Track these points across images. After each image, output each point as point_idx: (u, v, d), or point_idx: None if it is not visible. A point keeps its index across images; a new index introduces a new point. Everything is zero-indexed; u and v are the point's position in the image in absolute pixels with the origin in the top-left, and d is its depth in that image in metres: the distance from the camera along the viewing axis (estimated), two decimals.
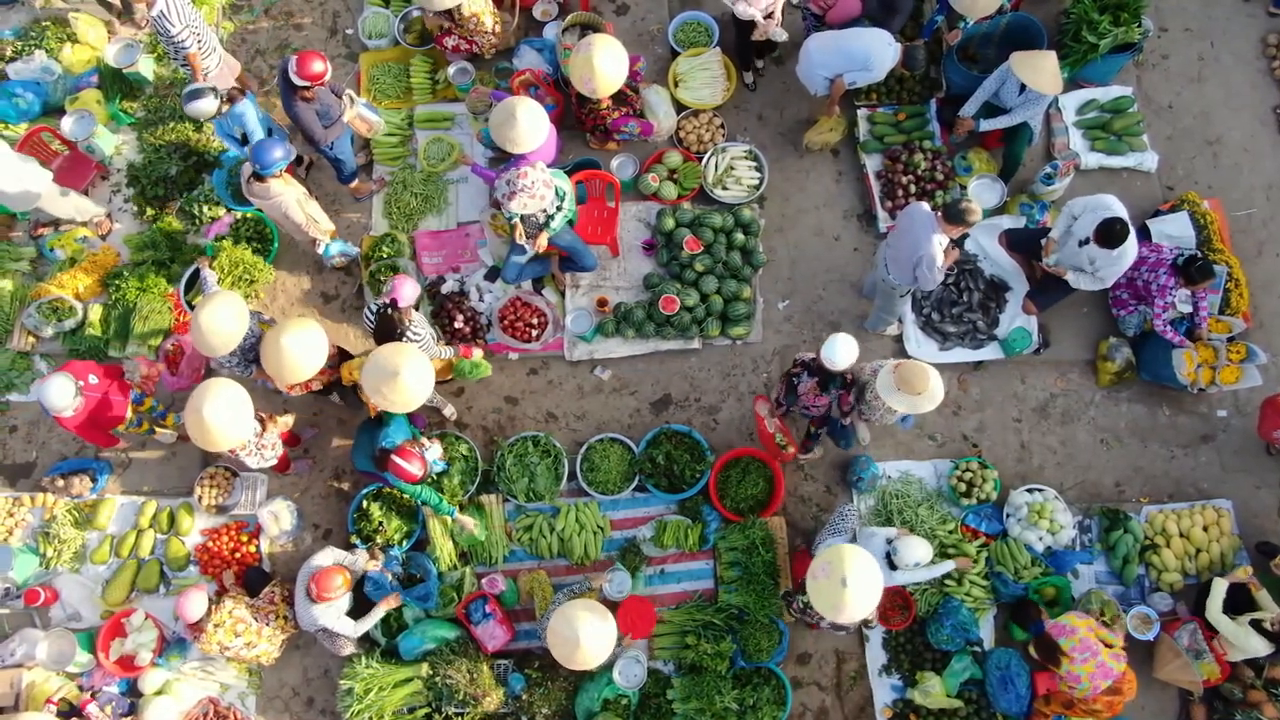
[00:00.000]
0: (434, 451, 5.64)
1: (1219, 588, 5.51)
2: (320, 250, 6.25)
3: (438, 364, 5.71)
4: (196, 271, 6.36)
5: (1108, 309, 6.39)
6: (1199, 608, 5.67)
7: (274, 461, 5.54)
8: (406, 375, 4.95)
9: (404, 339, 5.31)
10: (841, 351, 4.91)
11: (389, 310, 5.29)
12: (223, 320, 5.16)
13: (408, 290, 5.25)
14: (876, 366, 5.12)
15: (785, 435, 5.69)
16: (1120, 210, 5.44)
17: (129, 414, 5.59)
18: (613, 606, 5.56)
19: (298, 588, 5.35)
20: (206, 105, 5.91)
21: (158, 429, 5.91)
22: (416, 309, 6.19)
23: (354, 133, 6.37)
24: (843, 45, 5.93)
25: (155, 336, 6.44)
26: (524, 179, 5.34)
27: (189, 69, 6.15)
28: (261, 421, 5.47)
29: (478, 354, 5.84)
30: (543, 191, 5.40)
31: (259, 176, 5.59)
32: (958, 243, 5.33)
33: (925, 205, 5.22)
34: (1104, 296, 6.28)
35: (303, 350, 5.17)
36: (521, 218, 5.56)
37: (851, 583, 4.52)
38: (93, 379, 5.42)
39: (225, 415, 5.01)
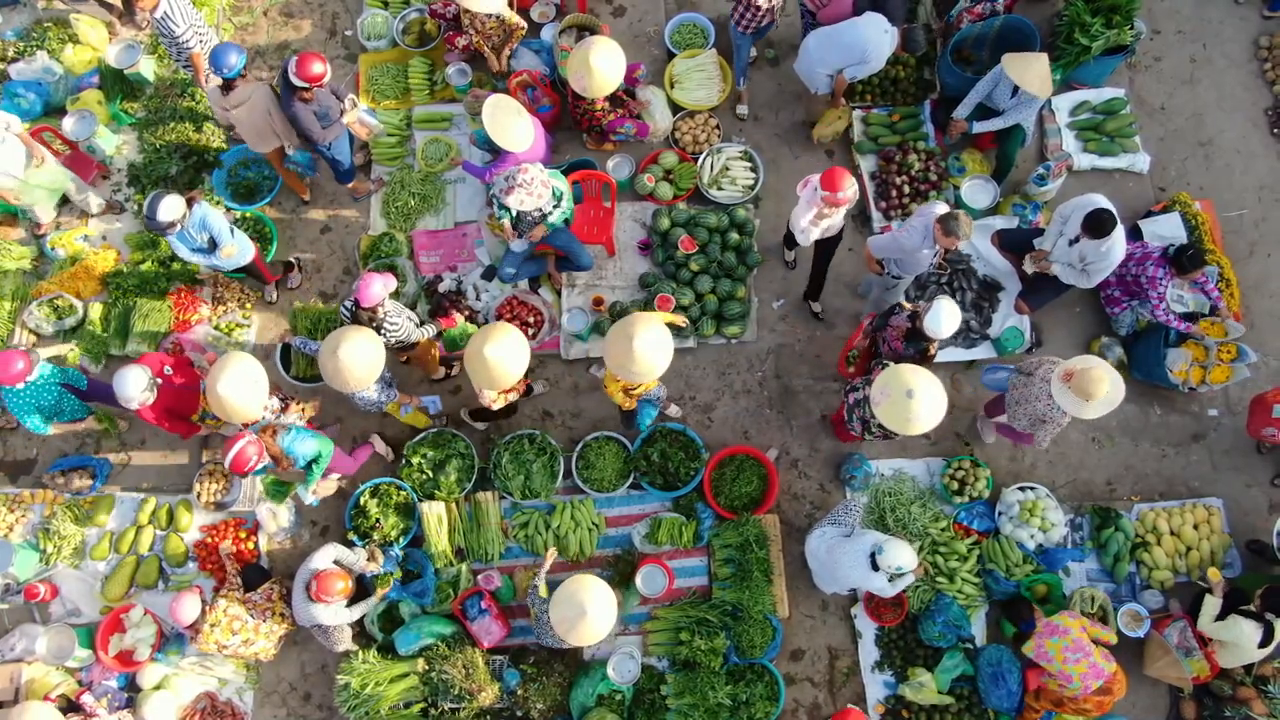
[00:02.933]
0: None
1: (1210, 605, 5.53)
2: (291, 153, 6.30)
3: (425, 346, 5.82)
4: (287, 346, 6.38)
5: (1100, 308, 6.44)
6: (1191, 608, 5.72)
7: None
8: (344, 355, 4.96)
9: (382, 330, 5.31)
10: (946, 322, 4.93)
11: (357, 311, 5.31)
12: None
13: (373, 290, 5.18)
14: (1050, 370, 5.09)
15: (859, 357, 5.82)
16: (1106, 204, 5.49)
17: (201, 405, 5.60)
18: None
19: (296, 584, 5.39)
20: (173, 205, 5.35)
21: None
22: (413, 307, 6.27)
23: (353, 135, 6.42)
24: (840, 40, 5.95)
25: (154, 335, 6.49)
26: (524, 174, 5.38)
27: (191, 69, 6.20)
28: (285, 403, 5.55)
29: (460, 320, 5.90)
30: (540, 190, 5.44)
31: (226, 86, 5.66)
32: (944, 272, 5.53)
33: (941, 207, 5.22)
34: (1096, 296, 6.34)
35: (508, 357, 4.99)
36: (516, 216, 5.61)
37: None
38: (168, 370, 5.44)
39: (242, 389, 5.01)
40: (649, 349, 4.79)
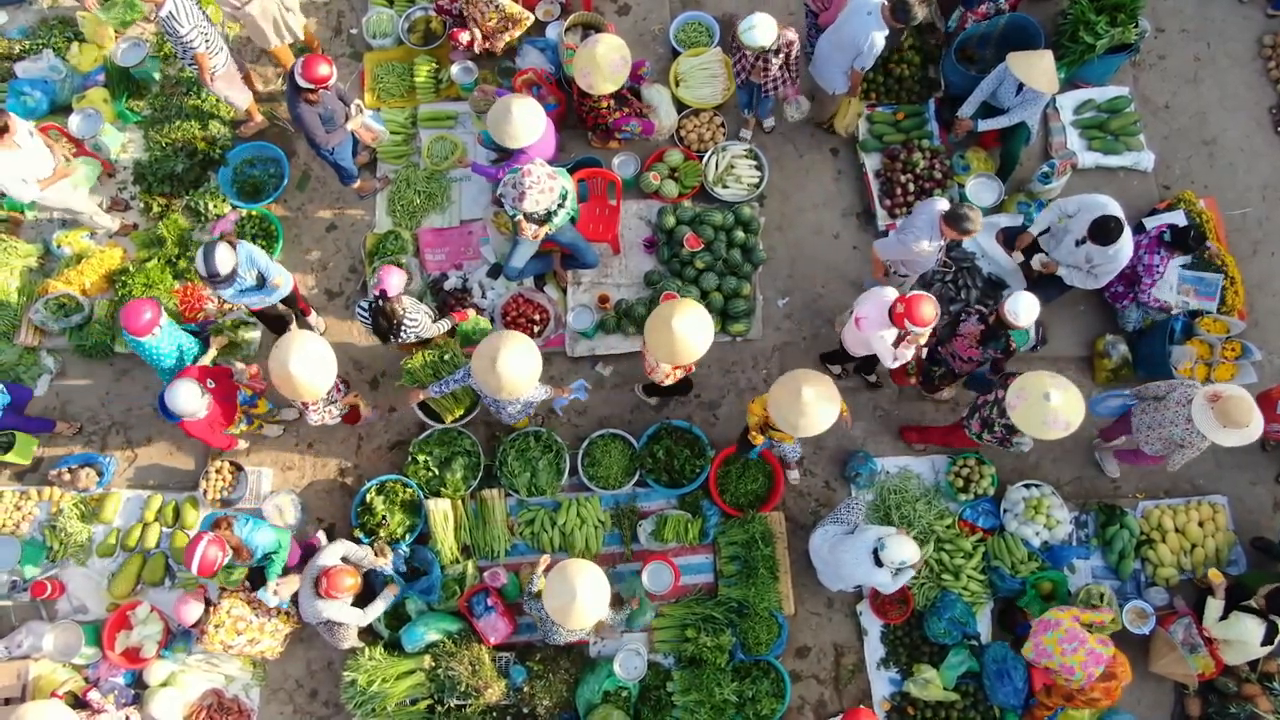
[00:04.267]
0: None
1: (1213, 608, 5.55)
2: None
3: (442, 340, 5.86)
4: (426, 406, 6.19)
5: (1104, 306, 6.46)
6: (1196, 605, 5.73)
7: (335, 422, 5.59)
8: (295, 368, 4.94)
9: (402, 328, 5.36)
10: (1024, 306, 4.94)
11: (380, 302, 5.33)
12: (520, 357, 4.96)
13: (394, 280, 5.25)
14: (1186, 392, 5.09)
15: (916, 365, 5.84)
16: (1116, 209, 5.49)
17: (238, 415, 5.58)
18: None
19: (304, 580, 5.39)
20: (226, 253, 5.23)
21: (266, 425, 6.00)
22: (421, 299, 6.28)
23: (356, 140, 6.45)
24: (841, 39, 5.96)
25: None
26: (528, 177, 5.37)
27: (196, 68, 6.21)
28: (346, 385, 5.61)
29: (472, 314, 5.92)
30: (549, 184, 5.43)
31: None
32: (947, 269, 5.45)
33: (943, 204, 5.24)
34: (1101, 294, 6.34)
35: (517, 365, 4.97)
36: (526, 214, 5.62)
37: (1055, 397, 4.71)
38: (210, 383, 5.39)
39: (312, 368, 4.99)
40: (689, 331, 4.87)
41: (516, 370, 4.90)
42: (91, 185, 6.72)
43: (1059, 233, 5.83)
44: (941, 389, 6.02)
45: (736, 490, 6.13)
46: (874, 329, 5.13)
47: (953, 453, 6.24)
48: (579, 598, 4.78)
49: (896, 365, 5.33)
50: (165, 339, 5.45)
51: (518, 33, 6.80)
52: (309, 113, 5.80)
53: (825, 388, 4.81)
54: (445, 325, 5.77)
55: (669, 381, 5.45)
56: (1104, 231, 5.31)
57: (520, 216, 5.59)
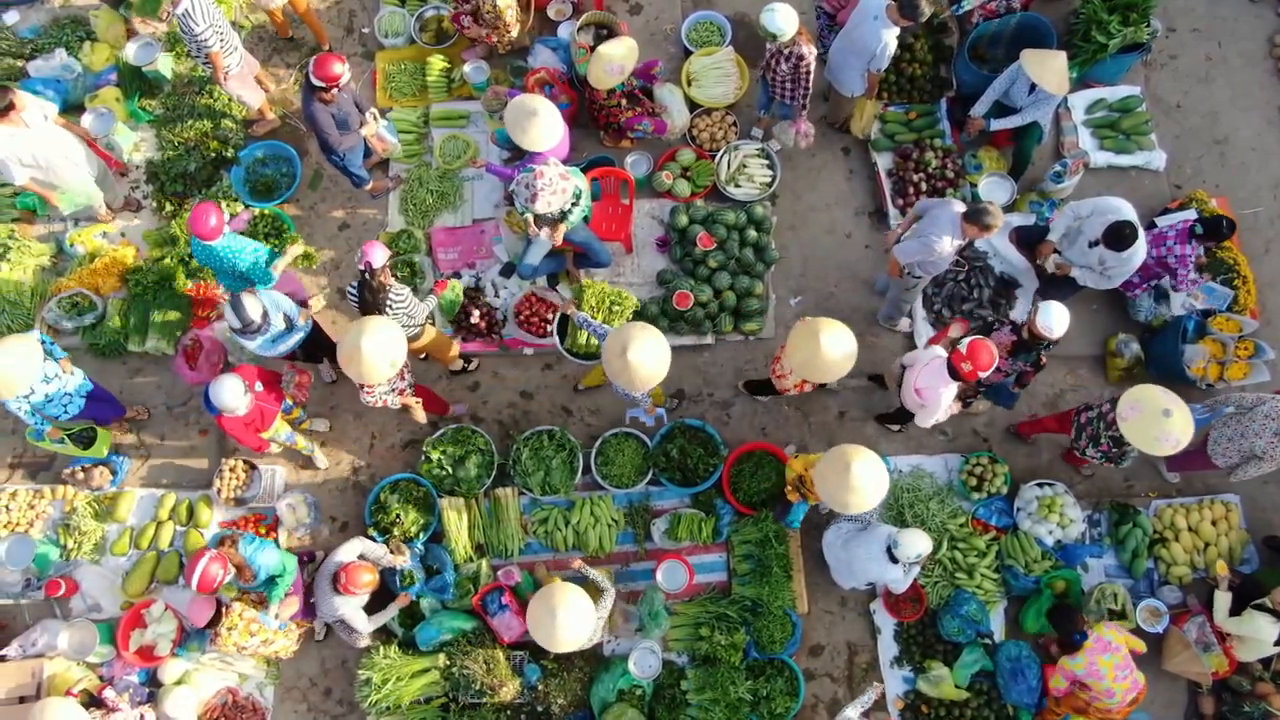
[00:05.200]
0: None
1: (1221, 600, 5.57)
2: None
3: (435, 338, 5.84)
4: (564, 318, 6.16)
5: (1116, 305, 6.47)
6: (1209, 603, 5.74)
7: (395, 406, 5.53)
8: (365, 345, 4.87)
9: (387, 303, 5.30)
10: (1057, 318, 4.96)
11: (366, 277, 5.29)
12: (653, 349, 4.91)
13: (377, 254, 5.21)
14: (1273, 410, 5.14)
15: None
16: (1130, 213, 5.50)
17: (277, 421, 5.57)
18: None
19: (320, 578, 5.40)
20: (253, 300, 5.22)
21: (299, 439, 6.01)
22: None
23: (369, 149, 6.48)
24: (853, 43, 5.96)
25: (174, 331, 6.51)
26: (540, 179, 5.35)
27: (210, 67, 6.22)
28: (408, 378, 5.60)
29: (449, 284, 5.84)
30: (561, 185, 5.43)
31: None
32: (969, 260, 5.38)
33: (959, 206, 5.25)
34: (1113, 292, 6.33)
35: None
36: (538, 215, 5.62)
37: (1176, 414, 4.76)
38: (259, 386, 5.37)
39: (382, 349, 4.92)
40: (834, 349, 4.90)
41: (646, 360, 4.81)
42: (72, 209, 6.70)
43: (1072, 234, 5.83)
44: (971, 400, 5.99)
45: (749, 489, 6.13)
46: (937, 392, 5.06)
47: (966, 451, 6.25)
48: (557, 621, 4.78)
49: (945, 416, 5.28)
50: (235, 241, 5.53)
51: (527, 19, 6.80)
52: (322, 112, 5.81)
53: (873, 463, 4.76)
54: (432, 302, 5.72)
55: (792, 391, 5.43)
56: (1119, 237, 5.33)
57: (529, 215, 5.59)
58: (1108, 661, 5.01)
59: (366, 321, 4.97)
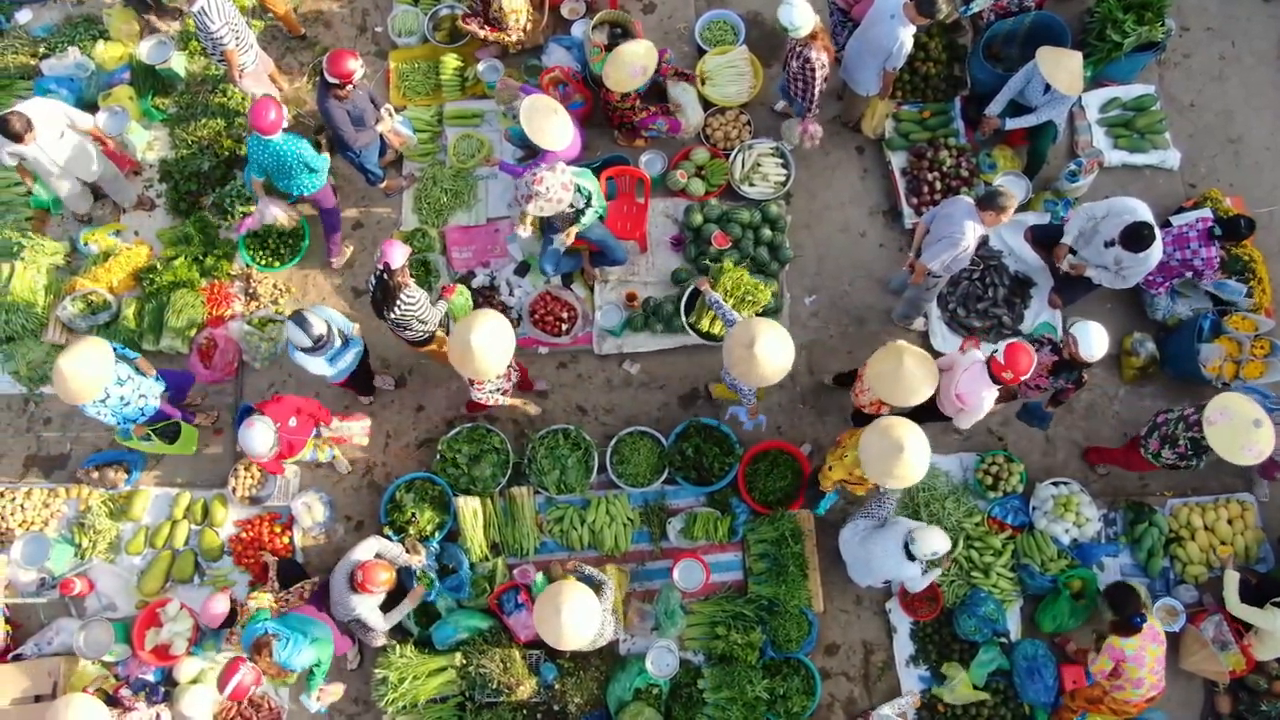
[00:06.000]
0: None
1: (1230, 580, 5.58)
2: None
3: (441, 340, 5.83)
4: (695, 291, 6.20)
5: (1131, 304, 6.47)
6: (1223, 601, 5.73)
7: (504, 402, 5.55)
8: (476, 341, 4.82)
9: (399, 303, 5.28)
10: (1097, 342, 4.97)
11: (384, 276, 5.27)
12: (780, 343, 4.90)
13: (397, 253, 5.18)
14: None
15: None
16: (1146, 213, 5.50)
17: (308, 447, 5.61)
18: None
19: (336, 576, 5.39)
20: (316, 317, 5.20)
21: (337, 456, 6.08)
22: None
23: (386, 142, 6.47)
24: (869, 42, 5.96)
25: (188, 330, 6.51)
26: (538, 184, 5.28)
27: (225, 64, 6.22)
28: (517, 371, 5.61)
29: (458, 289, 5.85)
30: (559, 195, 5.37)
31: None
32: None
33: (967, 199, 5.27)
34: (1128, 290, 6.33)
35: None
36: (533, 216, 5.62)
37: (1263, 425, 4.78)
38: (293, 421, 5.36)
39: (495, 345, 4.89)
40: (915, 373, 4.89)
41: (773, 354, 4.82)
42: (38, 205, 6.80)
43: (1087, 234, 5.83)
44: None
45: (765, 488, 6.13)
46: (979, 396, 5.03)
47: (984, 451, 6.25)
48: (563, 619, 4.76)
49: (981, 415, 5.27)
50: (292, 140, 5.70)
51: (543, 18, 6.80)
52: (338, 110, 5.80)
53: (919, 436, 4.77)
54: (443, 307, 5.68)
55: (868, 410, 5.41)
56: (1137, 239, 5.34)
57: (527, 210, 5.52)
58: (1154, 652, 5.00)
59: (475, 317, 4.90)
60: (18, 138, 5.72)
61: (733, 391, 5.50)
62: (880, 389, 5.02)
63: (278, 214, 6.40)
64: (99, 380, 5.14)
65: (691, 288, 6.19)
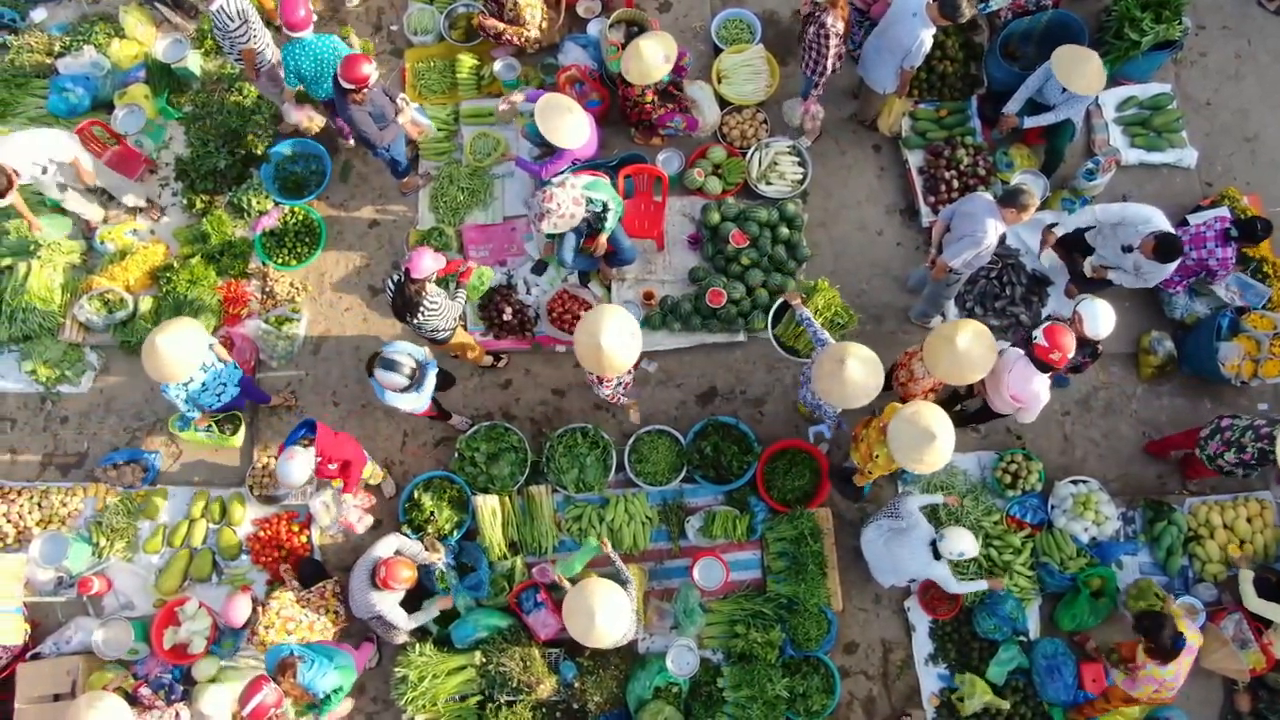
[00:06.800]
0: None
1: (1245, 579, 5.59)
2: None
3: (461, 337, 5.82)
4: (784, 305, 6.28)
5: (1149, 302, 6.46)
6: (1241, 599, 5.74)
7: (624, 403, 5.56)
8: (606, 341, 4.79)
9: (420, 310, 5.26)
10: (1103, 320, 5.01)
11: (404, 282, 5.24)
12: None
13: (425, 263, 5.14)
14: None
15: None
16: (1163, 221, 5.56)
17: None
18: None
19: (357, 573, 5.39)
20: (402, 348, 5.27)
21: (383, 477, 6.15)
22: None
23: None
24: (889, 41, 5.95)
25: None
26: (549, 202, 5.29)
27: (242, 63, 6.21)
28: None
29: (474, 269, 5.79)
30: (571, 210, 5.38)
31: None
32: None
33: (986, 195, 5.28)
34: (1146, 289, 6.33)
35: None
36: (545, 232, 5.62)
37: None
38: (332, 466, 5.34)
39: (624, 344, 4.88)
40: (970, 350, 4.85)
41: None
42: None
43: (1107, 234, 5.85)
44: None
45: (784, 486, 6.12)
46: (1032, 390, 5.00)
47: (1002, 449, 6.25)
48: (596, 621, 4.77)
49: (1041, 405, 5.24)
50: (325, 38, 5.88)
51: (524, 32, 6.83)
52: (360, 113, 5.78)
53: (945, 421, 4.76)
54: (461, 297, 5.61)
55: (920, 397, 5.34)
56: (1170, 251, 5.38)
57: (541, 229, 5.54)
58: (1187, 661, 5.01)
59: (602, 314, 4.86)
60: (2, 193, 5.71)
61: (812, 411, 5.51)
62: (938, 368, 4.93)
63: (301, 117, 6.50)
64: (192, 361, 5.13)
65: (780, 300, 6.26)
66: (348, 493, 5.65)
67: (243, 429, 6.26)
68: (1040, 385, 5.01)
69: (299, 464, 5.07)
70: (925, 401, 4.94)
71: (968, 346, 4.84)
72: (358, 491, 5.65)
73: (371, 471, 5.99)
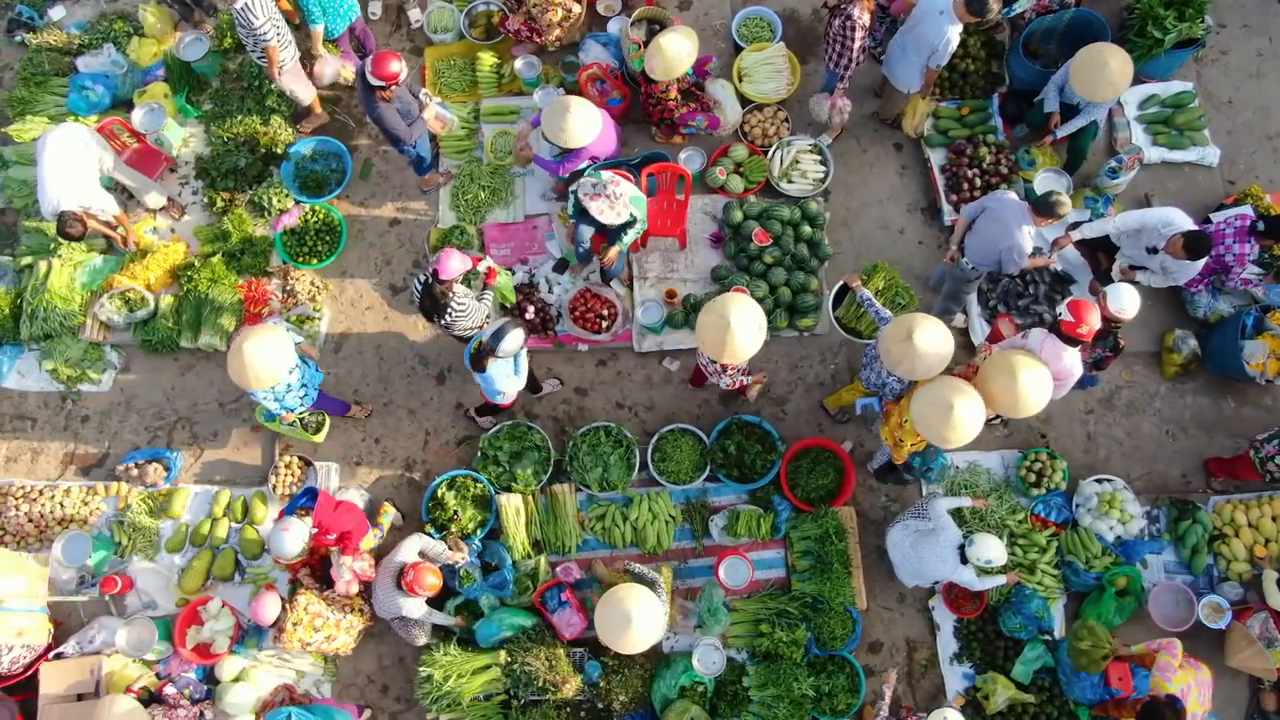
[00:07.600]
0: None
1: (1269, 579, 5.58)
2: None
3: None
4: (844, 287, 6.24)
5: (1173, 301, 6.45)
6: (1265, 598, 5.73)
7: (742, 384, 5.43)
8: (735, 324, 4.80)
9: (448, 311, 5.26)
10: (1127, 298, 5.01)
11: (432, 283, 5.23)
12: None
13: (452, 264, 5.12)
14: None
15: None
16: (1185, 220, 5.54)
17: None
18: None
19: (381, 575, 5.38)
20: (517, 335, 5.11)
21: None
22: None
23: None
24: (915, 39, 5.94)
25: (225, 327, 6.49)
26: (616, 186, 5.35)
27: (266, 61, 6.19)
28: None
29: (499, 271, 5.80)
30: (622, 209, 5.46)
31: None
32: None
33: (1013, 194, 5.27)
34: (1169, 289, 6.33)
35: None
36: (580, 216, 5.59)
37: None
38: (331, 535, 5.37)
39: (749, 334, 4.85)
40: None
41: (933, 346, 4.77)
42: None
43: (1129, 240, 5.85)
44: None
45: (807, 485, 6.11)
46: (1064, 363, 4.96)
47: (1029, 450, 6.25)
48: (633, 625, 4.76)
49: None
50: None
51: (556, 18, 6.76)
52: (389, 110, 5.78)
53: (972, 397, 4.72)
54: (489, 299, 5.63)
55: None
56: (1199, 249, 5.37)
57: (564, 214, 5.53)
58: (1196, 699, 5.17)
59: (733, 300, 4.84)
60: (79, 238, 5.92)
61: (871, 390, 5.47)
62: (999, 403, 4.81)
63: (338, 67, 6.66)
64: (280, 369, 5.11)
65: (840, 283, 6.28)
66: (346, 555, 5.59)
67: (326, 424, 6.28)
68: (1072, 359, 4.97)
69: (293, 536, 5.03)
70: (948, 375, 4.88)
71: (922, 344, 4.75)
72: (358, 556, 5.64)
73: (369, 541, 5.88)
